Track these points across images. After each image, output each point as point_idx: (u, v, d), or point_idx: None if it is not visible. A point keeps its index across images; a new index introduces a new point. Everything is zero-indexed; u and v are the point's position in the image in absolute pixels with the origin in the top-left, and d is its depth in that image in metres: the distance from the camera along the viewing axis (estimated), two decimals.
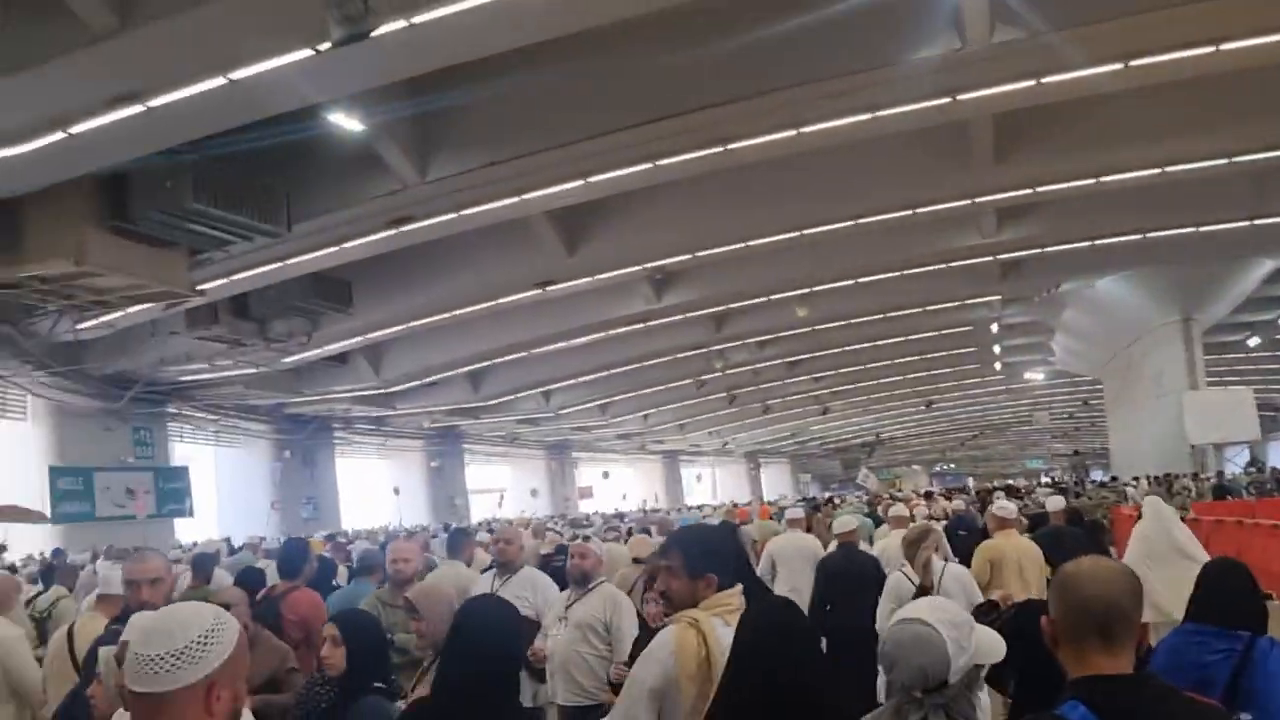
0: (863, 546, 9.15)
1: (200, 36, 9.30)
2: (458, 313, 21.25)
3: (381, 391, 27.93)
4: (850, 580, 7.74)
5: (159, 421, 24.65)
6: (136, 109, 10.36)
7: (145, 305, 15.85)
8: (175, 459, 26.62)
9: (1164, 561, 6.83)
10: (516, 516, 31.64)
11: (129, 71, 9.98)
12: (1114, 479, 31.38)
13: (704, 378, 34.51)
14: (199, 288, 15.38)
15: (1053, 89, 12.71)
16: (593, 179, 14.13)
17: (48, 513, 19.11)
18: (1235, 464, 28.03)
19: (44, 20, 9.48)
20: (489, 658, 3.06)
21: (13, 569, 14.33)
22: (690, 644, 3.15)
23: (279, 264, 15.74)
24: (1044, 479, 53.39)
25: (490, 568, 6.77)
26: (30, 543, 18.73)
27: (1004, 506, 8.24)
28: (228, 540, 20.17)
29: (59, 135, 10.76)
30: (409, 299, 19.90)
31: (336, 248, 15.39)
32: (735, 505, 26.53)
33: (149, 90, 10.17)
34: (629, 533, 13.68)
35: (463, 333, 23.76)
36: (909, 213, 18.04)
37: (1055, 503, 9.55)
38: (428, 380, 28.43)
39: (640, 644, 4.26)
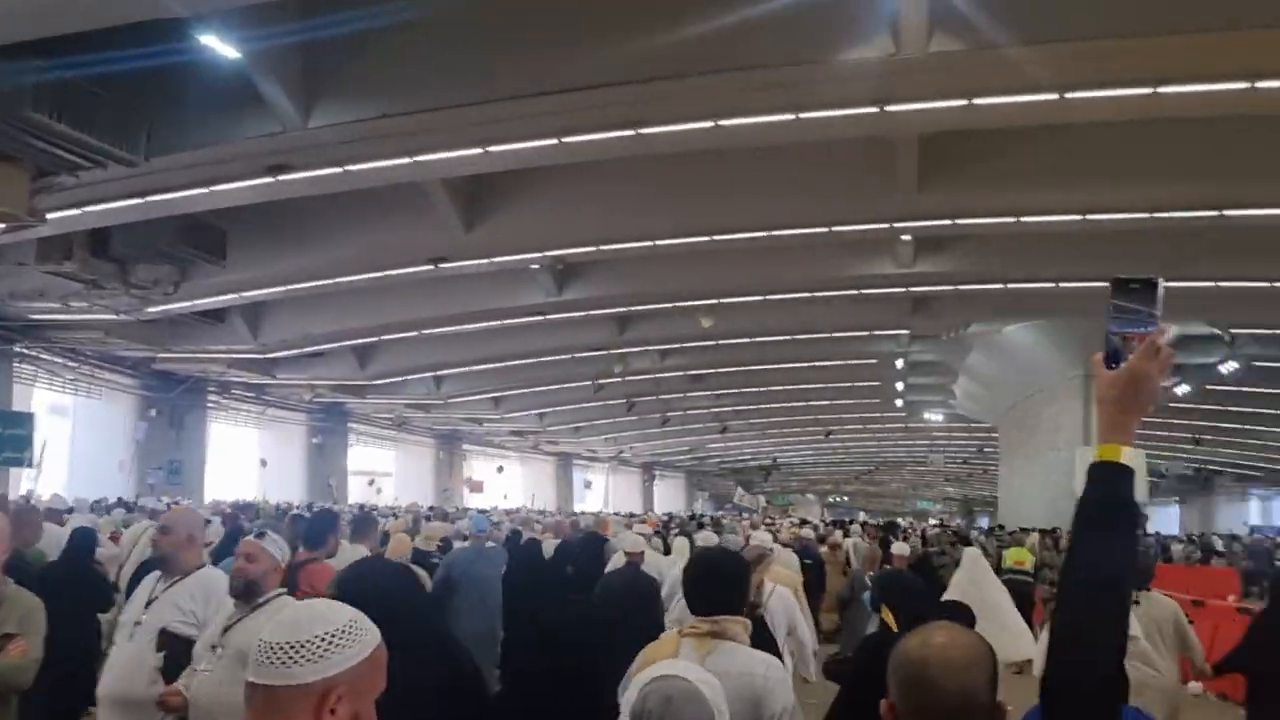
0: None
1: None
2: (342, 280, 19.92)
3: (259, 356, 26.36)
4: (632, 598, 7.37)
5: (3, 360, 22.75)
6: None
7: None
8: (31, 404, 24.72)
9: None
10: (407, 504, 30.34)
11: None
12: (1001, 527, 31.31)
13: (603, 381, 33.55)
14: (45, 214, 13.86)
15: (984, 113, 12.10)
16: (493, 148, 13.06)
17: None
18: None
19: None
20: None
21: None
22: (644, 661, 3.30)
23: (139, 200, 14.26)
24: (932, 520, 53.72)
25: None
26: None
27: (901, 547, 9.65)
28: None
29: None
30: (289, 259, 18.49)
31: (205, 190, 14.03)
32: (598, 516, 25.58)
33: None
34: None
35: (348, 303, 22.40)
36: (826, 230, 17.38)
37: (900, 548, 9.64)
38: (310, 350, 26.97)
39: None
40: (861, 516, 58.23)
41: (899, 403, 42.64)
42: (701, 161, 15.49)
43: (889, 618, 5.79)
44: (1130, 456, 1.86)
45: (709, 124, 12.31)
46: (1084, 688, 1.74)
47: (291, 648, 1.68)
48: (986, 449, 52.67)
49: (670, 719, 2.39)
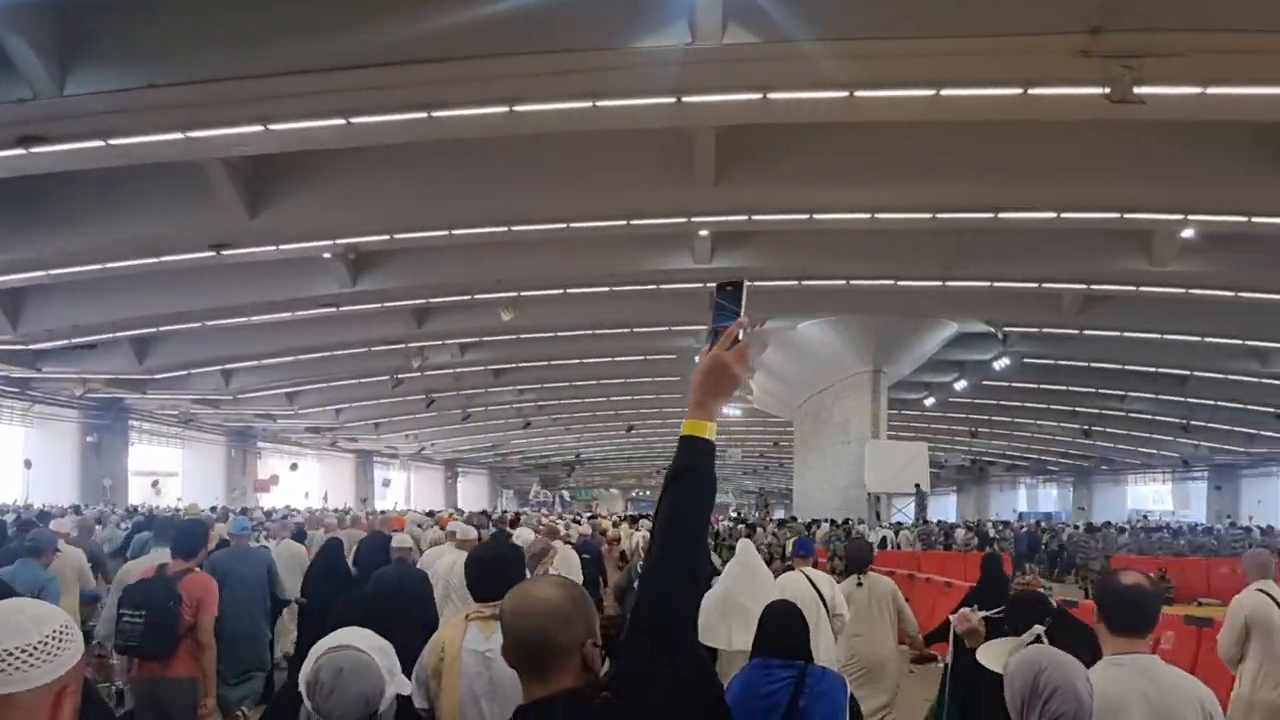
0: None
1: None
2: (113, 266, 18.49)
3: (20, 348, 24.31)
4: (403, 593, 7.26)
5: None
6: None
7: None
8: None
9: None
10: (188, 505, 28.57)
11: None
12: (794, 519, 32.25)
13: (401, 376, 32.63)
14: None
15: (778, 108, 12.25)
16: (274, 126, 12.34)
17: None
18: (905, 514, 29.42)
19: None
20: None
21: None
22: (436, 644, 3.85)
23: None
24: (732, 513, 55.00)
25: None
26: None
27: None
28: None
29: None
30: (51, 241, 16.89)
31: None
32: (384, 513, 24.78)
33: None
34: None
35: (122, 290, 20.84)
36: (625, 223, 17.35)
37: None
38: (80, 341, 25.00)
39: None
40: None
41: None
42: (500, 149, 15.18)
43: None
44: (712, 431, 2.09)
45: (504, 109, 12.01)
46: (661, 627, 2.00)
47: (25, 651, 1.63)
48: (782, 442, 54.32)
49: (341, 689, 2.52)
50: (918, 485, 27.29)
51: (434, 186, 15.78)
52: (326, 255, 19.61)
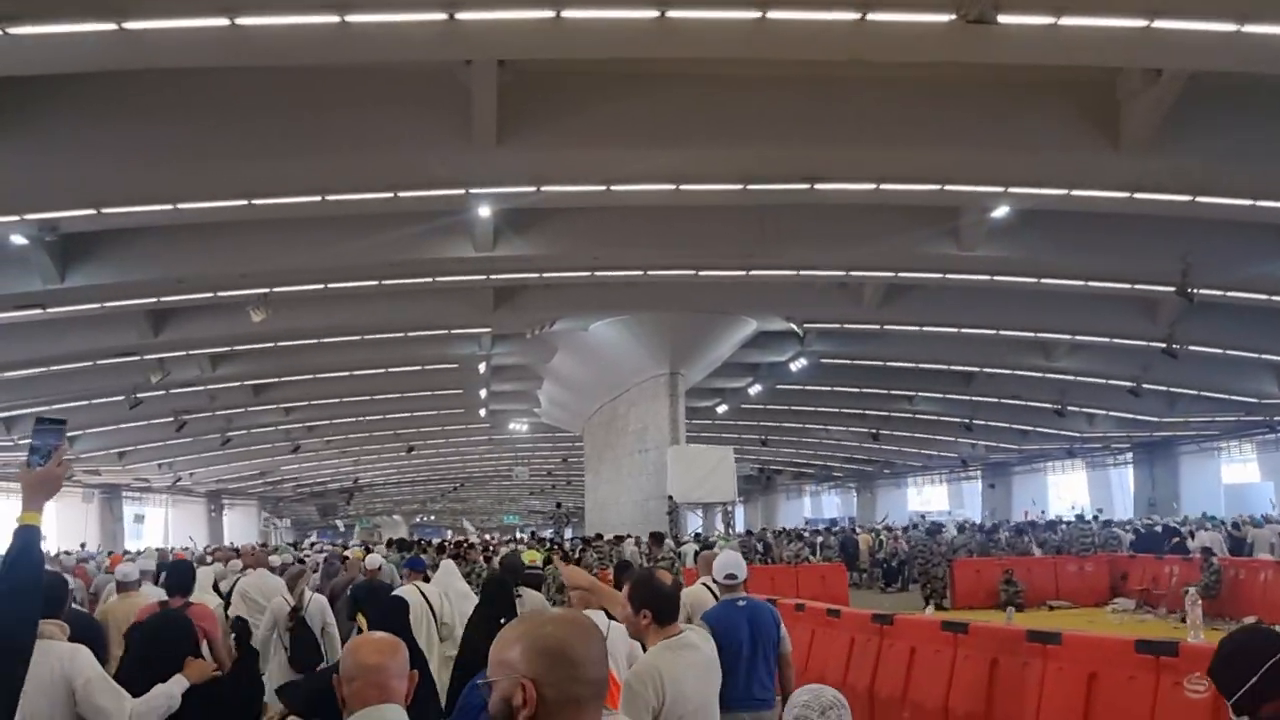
0: None
1: None
2: None
3: None
4: None
5: None
6: None
7: None
8: None
9: None
10: None
11: None
12: (598, 536, 30.18)
13: (140, 395, 28.26)
14: None
15: (575, 33, 10.13)
16: None
17: None
18: (716, 525, 27.80)
19: None
20: None
21: None
22: None
23: None
24: (519, 534, 52.65)
25: None
26: None
27: (373, 559, 10.95)
28: None
29: None
30: None
31: None
32: None
33: None
34: None
35: None
36: (391, 195, 14.73)
37: (372, 560, 10.83)
38: None
39: None
40: (449, 534, 55.86)
41: (483, 412, 40.75)
42: (229, 94, 12.34)
43: (363, 623, 6.40)
44: (39, 519, 2.57)
45: (222, 21, 9.30)
46: None
47: None
48: (571, 458, 52.34)
49: None
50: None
51: (147, 142, 12.65)
52: (20, 239, 15.92)
